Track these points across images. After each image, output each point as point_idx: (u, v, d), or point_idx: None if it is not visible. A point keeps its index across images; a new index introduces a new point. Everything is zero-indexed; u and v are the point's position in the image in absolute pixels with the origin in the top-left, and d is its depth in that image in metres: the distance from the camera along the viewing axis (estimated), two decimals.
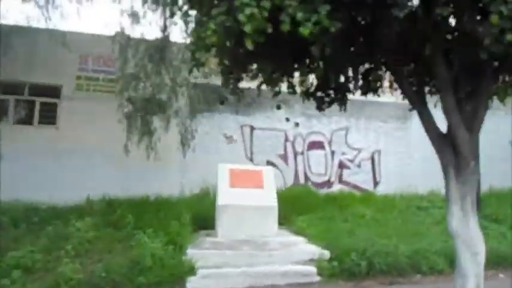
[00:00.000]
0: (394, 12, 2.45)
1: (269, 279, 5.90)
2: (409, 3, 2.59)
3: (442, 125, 3.77)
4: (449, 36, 3.07)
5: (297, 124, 11.12)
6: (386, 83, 4.34)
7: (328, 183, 11.21)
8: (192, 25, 3.48)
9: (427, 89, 3.84)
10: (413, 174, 11.65)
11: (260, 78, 3.80)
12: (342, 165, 11.41)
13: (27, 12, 14.29)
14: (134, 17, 7.50)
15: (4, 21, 9.38)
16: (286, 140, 11.14)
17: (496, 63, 3.06)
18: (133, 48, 7.76)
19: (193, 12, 3.51)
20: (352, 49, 3.25)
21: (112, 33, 8.48)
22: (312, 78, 4.26)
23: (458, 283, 3.44)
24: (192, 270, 5.78)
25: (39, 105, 10.00)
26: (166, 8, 7.35)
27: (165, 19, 7.78)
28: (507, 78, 3.51)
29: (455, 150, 3.32)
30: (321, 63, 3.69)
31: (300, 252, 6.54)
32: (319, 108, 4.35)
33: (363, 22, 2.86)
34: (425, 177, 11.19)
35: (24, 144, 9.38)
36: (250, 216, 7.35)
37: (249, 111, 10.90)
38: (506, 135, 12.61)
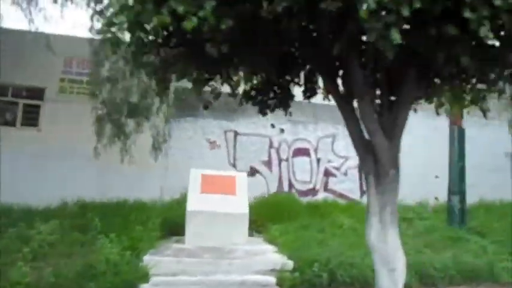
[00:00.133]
0: (275, 5, 2.28)
1: None
2: None
3: None
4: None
5: (282, 130, 10.96)
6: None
7: (313, 191, 10.98)
8: None
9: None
10: (402, 184, 11.25)
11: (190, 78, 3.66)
12: (327, 173, 11.18)
13: (10, 14, 14.34)
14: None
15: None
16: (271, 146, 10.97)
17: (415, 68, 2.86)
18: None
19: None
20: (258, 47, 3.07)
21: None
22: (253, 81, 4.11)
23: None
24: (145, 277, 5.64)
25: (23, 107, 10.03)
26: None
27: None
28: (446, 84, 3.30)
29: (374, 158, 3.12)
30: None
31: (263, 262, 6.35)
32: (262, 112, 4.20)
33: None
34: (415, 188, 10.90)
35: (6, 146, 9.39)
36: (220, 223, 7.20)
37: (233, 116, 10.78)
38: (501, 146, 12.26)
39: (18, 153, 9.36)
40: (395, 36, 2.17)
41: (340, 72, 3.25)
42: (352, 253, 6.51)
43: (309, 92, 4.01)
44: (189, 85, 3.82)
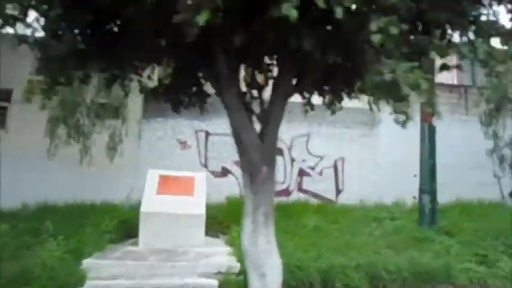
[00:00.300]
0: None
1: None
2: None
3: None
4: None
5: None
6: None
7: (287, 192, 10.77)
8: None
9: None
10: (379, 183, 11.11)
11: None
12: (302, 173, 10.97)
13: None
14: None
15: None
16: None
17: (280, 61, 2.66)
18: None
19: None
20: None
21: None
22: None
23: None
24: (81, 281, 5.49)
25: None
26: None
27: None
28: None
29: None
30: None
31: (210, 264, 6.17)
32: (175, 109, 4.02)
33: None
34: (392, 186, 10.68)
35: None
36: (176, 224, 7.06)
37: (205, 116, 10.58)
38: (484, 144, 11.90)
39: None
40: (200, 18, 1.99)
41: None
42: (303, 255, 6.30)
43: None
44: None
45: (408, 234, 8.06)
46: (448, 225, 8.42)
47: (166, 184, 7.64)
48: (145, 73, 3.88)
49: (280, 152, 10.93)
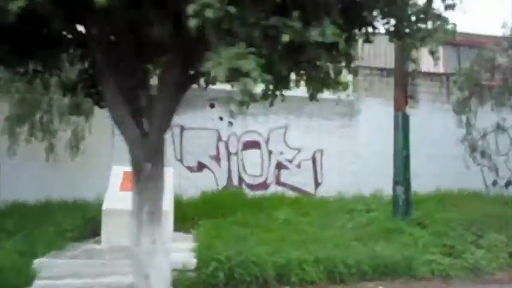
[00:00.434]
0: None
1: None
2: None
3: None
4: None
5: (230, 123, 10.60)
6: None
7: (264, 185, 10.63)
8: None
9: None
10: (359, 174, 10.94)
11: None
12: (279, 166, 10.81)
13: None
14: None
15: None
16: (219, 140, 10.63)
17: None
18: None
19: None
20: None
21: None
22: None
23: None
24: (29, 281, 5.41)
25: None
26: None
27: None
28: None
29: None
30: None
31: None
32: (98, 104, 3.87)
33: None
34: (372, 177, 10.50)
35: None
36: None
37: (179, 110, 10.45)
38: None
39: None
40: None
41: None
42: (262, 250, 6.17)
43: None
44: None
45: (380, 226, 7.92)
46: (421, 217, 8.29)
47: (130, 180, 7.49)
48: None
49: (257, 144, 10.80)
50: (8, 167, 9.20)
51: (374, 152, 10.86)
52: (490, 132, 9.19)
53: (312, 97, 4.44)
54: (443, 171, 10.77)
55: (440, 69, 13.16)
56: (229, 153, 10.62)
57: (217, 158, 10.55)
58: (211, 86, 3.60)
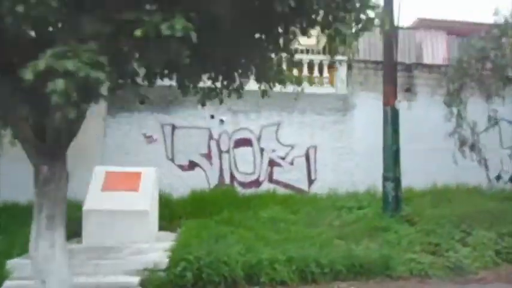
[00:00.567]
0: None
1: None
2: None
3: None
4: None
5: (221, 121, 10.54)
6: None
7: (257, 183, 10.51)
8: None
9: None
10: (353, 170, 10.73)
11: None
12: (272, 163, 10.66)
13: None
14: None
15: None
16: (211, 138, 10.56)
17: None
18: None
19: None
20: None
21: None
22: None
23: None
24: (1, 281, 5.46)
25: None
26: None
27: None
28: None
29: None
30: None
31: (140, 261, 6.06)
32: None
33: None
34: (367, 173, 10.24)
35: None
36: (119, 221, 6.95)
37: (170, 109, 10.47)
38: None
39: None
40: None
41: None
42: (233, 249, 6.05)
43: None
44: None
45: (367, 223, 7.72)
46: (411, 213, 8.03)
47: (112, 180, 7.52)
48: None
49: (249, 142, 10.68)
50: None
51: (369, 148, 10.57)
52: (487, 129, 8.77)
53: (264, 93, 4.34)
54: (442, 165, 10.39)
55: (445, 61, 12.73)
56: (220, 152, 10.55)
57: (208, 157, 10.49)
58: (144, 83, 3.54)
